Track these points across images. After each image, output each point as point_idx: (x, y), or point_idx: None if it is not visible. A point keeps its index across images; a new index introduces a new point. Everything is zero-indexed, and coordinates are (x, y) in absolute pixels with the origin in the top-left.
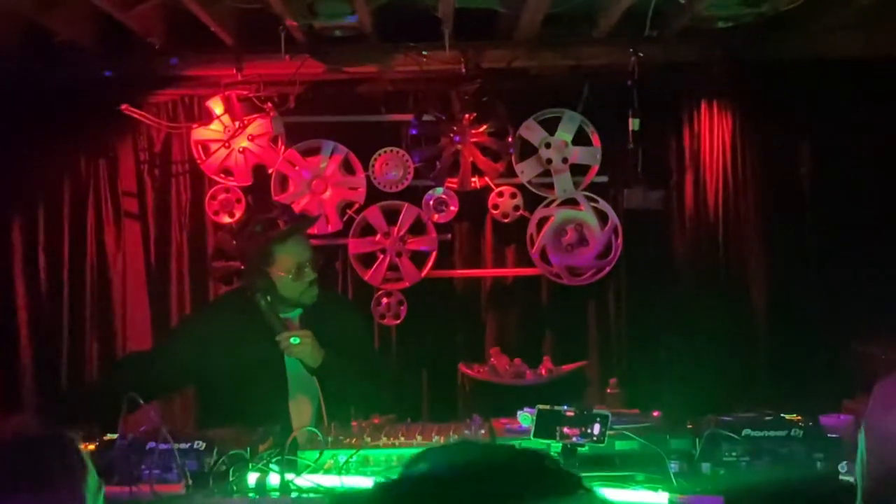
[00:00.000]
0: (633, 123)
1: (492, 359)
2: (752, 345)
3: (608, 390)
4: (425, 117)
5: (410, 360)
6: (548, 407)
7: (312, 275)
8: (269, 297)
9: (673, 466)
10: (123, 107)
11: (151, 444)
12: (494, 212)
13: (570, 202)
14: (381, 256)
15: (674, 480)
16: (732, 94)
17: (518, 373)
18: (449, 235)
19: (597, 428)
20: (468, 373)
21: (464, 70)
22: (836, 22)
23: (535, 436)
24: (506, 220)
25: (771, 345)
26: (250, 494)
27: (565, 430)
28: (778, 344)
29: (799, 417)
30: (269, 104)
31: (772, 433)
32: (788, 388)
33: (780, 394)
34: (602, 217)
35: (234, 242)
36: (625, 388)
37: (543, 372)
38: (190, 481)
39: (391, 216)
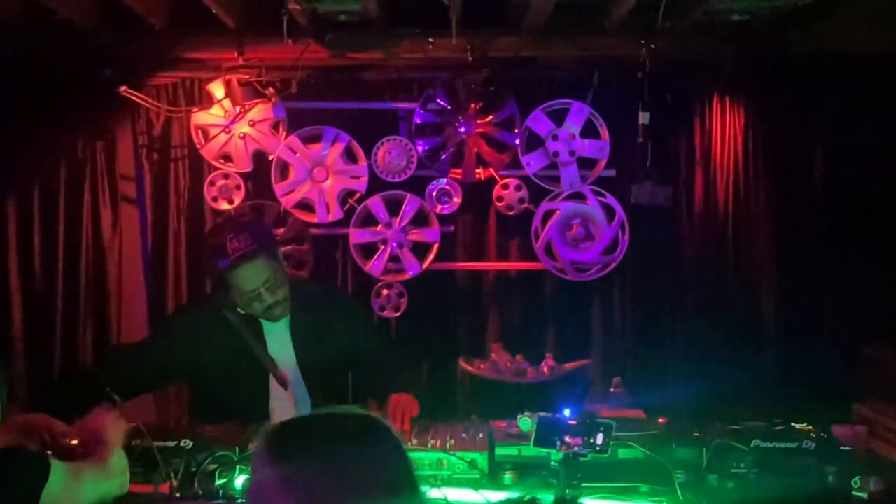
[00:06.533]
0: (643, 117)
1: (493, 355)
2: (761, 345)
3: (611, 389)
4: (430, 106)
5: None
6: (549, 414)
7: (270, 298)
8: (238, 311)
9: (679, 478)
10: (122, 89)
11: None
12: (499, 204)
13: (577, 196)
14: (383, 247)
15: (679, 493)
16: (745, 90)
17: (519, 370)
18: (452, 227)
19: (600, 438)
20: (469, 369)
21: (471, 58)
22: (851, 18)
23: (535, 444)
24: (510, 213)
25: (780, 346)
26: (238, 499)
27: (567, 438)
28: (787, 346)
29: (810, 427)
30: (271, 89)
31: (782, 444)
32: (797, 390)
33: (789, 396)
34: (609, 212)
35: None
36: (628, 388)
37: (545, 370)
38: (175, 482)
39: (393, 206)
